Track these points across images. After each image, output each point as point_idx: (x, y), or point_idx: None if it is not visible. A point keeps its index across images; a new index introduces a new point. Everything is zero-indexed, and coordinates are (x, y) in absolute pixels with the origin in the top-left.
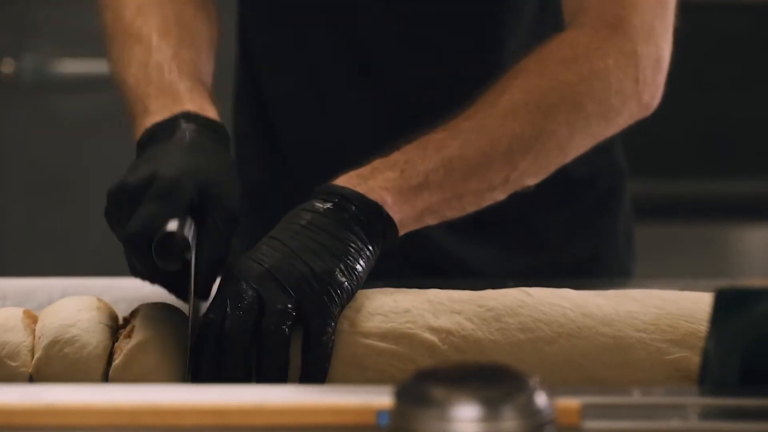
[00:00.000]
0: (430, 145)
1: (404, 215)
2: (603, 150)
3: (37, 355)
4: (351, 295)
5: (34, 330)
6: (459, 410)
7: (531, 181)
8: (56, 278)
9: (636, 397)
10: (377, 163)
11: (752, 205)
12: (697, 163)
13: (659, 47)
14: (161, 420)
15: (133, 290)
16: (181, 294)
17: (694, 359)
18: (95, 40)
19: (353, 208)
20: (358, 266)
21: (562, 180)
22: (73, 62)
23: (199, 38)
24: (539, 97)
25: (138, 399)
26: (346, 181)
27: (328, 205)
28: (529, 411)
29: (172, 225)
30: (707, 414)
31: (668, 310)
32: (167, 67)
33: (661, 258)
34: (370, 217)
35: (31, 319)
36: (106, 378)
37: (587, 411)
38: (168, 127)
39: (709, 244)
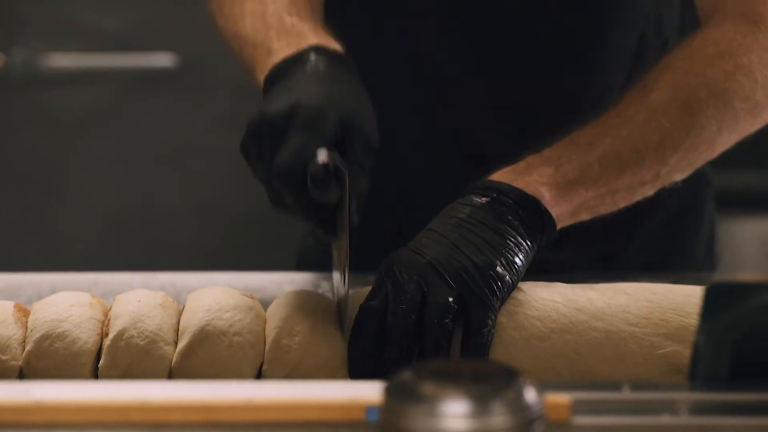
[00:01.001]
0: (581, 141)
1: (561, 210)
2: None
3: (27, 349)
4: (511, 288)
5: (25, 323)
6: (448, 406)
7: (679, 177)
8: (45, 273)
9: (626, 393)
10: (531, 158)
11: (743, 198)
12: None
13: None
14: (149, 417)
15: (122, 285)
16: (329, 230)
17: (686, 353)
18: (85, 34)
19: (511, 202)
20: (517, 260)
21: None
22: (63, 56)
23: None
24: (688, 93)
25: (126, 396)
26: (501, 176)
27: (485, 199)
28: (519, 407)
29: (323, 155)
30: (697, 409)
31: (660, 303)
32: (286, 12)
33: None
34: (527, 211)
35: (22, 312)
36: (96, 373)
37: (577, 406)
38: (298, 60)
39: None
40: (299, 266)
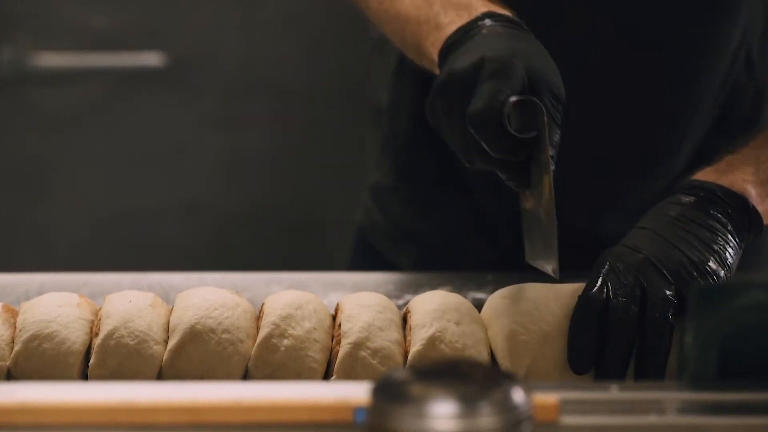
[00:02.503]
0: None
1: (766, 207)
2: None
3: (16, 349)
4: None
5: (13, 324)
6: (436, 407)
7: None
8: (33, 273)
9: (614, 393)
10: (729, 158)
11: None
12: None
13: None
14: (136, 418)
15: (110, 285)
16: (522, 180)
17: None
18: (73, 33)
19: (719, 200)
20: (728, 256)
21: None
22: (52, 55)
23: None
24: None
25: (113, 397)
26: (705, 176)
27: (693, 198)
28: (506, 407)
29: (515, 97)
30: (685, 409)
31: None
32: None
33: None
34: (736, 209)
35: (10, 313)
36: (85, 373)
37: (565, 406)
38: (474, 28)
39: None
40: (357, 245)
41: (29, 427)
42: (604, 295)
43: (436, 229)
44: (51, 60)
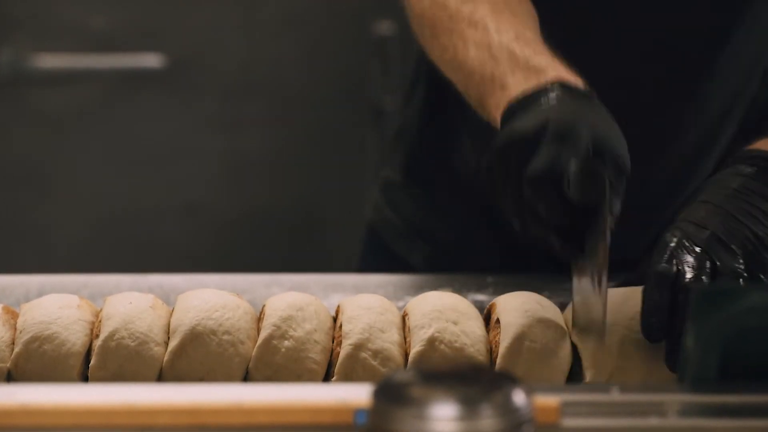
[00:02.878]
0: None
1: None
2: None
3: (16, 351)
4: None
5: (14, 325)
6: (437, 409)
7: None
8: (33, 275)
9: (615, 395)
10: None
11: None
12: None
13: None
14: (136, 420)
15: (111, 286)
16: (576, 249)
17: None
18: (73, 34)
19: None
20: None
21: None
22: (51, 57)
23: (530, 18)
24: None
25: (113, 399)
26: (762, 145)
27: (753, 169)
28: (507, 409)
29: (574, 167)
30: (686, 411)
31: None
32: (515, 45)
33: None
34: None
35: (10, 314)
36: (85, 375)
37: (566, 409)
38: (541, 94)
39: None
40: (368, 240)
41: (29, 428)
42: (675, 269)
43: (448, 226)
44: (50, 61)
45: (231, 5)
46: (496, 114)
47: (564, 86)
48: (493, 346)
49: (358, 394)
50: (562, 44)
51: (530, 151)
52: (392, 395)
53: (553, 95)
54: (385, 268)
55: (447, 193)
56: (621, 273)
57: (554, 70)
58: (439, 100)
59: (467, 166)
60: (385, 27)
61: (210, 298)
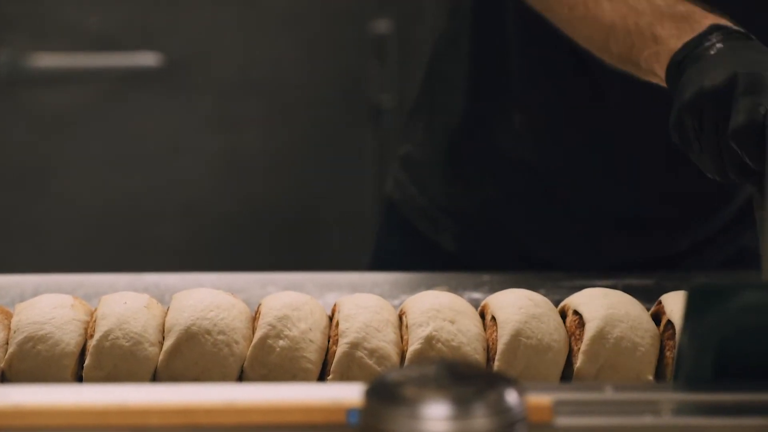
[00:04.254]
0: None
1: None
2: None
3: (10, 351)
4: None
5: (8, 326)
6: (429, 408)
7: None
8: (29, 275)
9: (608, 393)
10: None
11: None
12: None
13: None
14: (129, 420)
15: (106, 286)
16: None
17: None
18: (70, 34)
19: None
20: None
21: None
22: (49, 56)
23: None
24: None
25: (106, 399)
26: None
27: None
28: (500, 408)
29: None
30: (680, 410)
31: None
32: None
33: None
34: None
35: (4, 314)
36: (80, 374)
37: (559, 408)
38: (704, 42)
39: None
40: (387, 217)
41: (23, 429)
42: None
43: (478, 205)
44: (48, 61)
45: (229, 4)
46: (655, 68)
47: (725, 32)
48: (490, 343)
49: (350, 394)
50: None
51: (725, 105)
52: (384, 395)
53: (720, 45)
54: (408, 246)
55: (477, 170)
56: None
57: (701, 15)
58: (484, 81)
59: (517, 141)
60: (383, 25)
61: (205, 298)
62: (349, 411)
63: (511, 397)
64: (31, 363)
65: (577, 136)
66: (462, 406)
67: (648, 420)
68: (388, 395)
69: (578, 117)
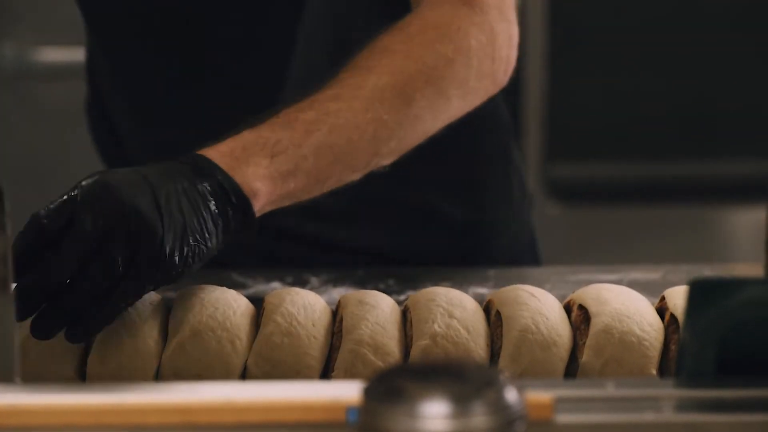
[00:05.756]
0: (298, 126)
1: (267, 201)
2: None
3: None
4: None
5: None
6: (428, 406)
7: (387, 162)
8: None
9: (609, 390)
10: (247, 137)
11: (737, 187)
12: (681, 144)
13: (511, 23)
14: (128, 419)
15: None
16: None
17: None
18: (75, 28)
19: (224, 196)
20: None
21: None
22: (53, 50)
23: None
24: (406, 80)
25: (104, 398)
26: (219, 158)
27: (206, 184)
28: (499, 406)
29: None
30: (682, 406)
31: None
32: None
33: (646, 241)
34: (235, 209)
35: None
36: (83, 371)
37: (560, 405)
38: None
39: (694, 227)
40: None
41: (21, 428)
42: None
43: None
44: (53, 55)
45: None
46: None
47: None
48: (495, 339)
49: (350, 392)
50: None
51: None
52: (382, 393)
53: None
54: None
55: None
56: None
57: None
58: None
59: None
60: None
61: (209, 295)
62: (349, 409)
63: (511, 394)
64: (33, 359)
65: None
66: (461, 403)
67: (649, 416)
68: (385, 393)
69: None
